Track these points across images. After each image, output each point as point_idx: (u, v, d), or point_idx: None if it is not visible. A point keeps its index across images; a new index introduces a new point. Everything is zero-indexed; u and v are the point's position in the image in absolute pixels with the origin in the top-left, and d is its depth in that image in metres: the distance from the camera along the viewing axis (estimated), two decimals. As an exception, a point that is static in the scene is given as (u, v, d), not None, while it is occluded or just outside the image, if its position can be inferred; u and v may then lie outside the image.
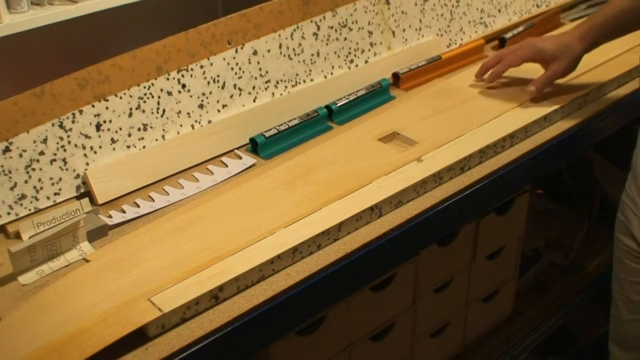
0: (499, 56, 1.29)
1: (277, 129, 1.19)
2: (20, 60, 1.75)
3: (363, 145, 1.15)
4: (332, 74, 1.35)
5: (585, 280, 1.68)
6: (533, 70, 1.26)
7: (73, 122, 1.05)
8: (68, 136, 1.05)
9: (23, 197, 1.02)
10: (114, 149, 1.10)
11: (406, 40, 1.46)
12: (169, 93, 1.14)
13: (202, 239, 0.95)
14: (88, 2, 1.63)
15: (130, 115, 1.11)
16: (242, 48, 1.21)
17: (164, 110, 1.14)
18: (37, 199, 1.03)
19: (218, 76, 1.19)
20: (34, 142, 1.02)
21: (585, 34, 1.20)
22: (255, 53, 1.23)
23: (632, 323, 1.22)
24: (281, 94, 1.28)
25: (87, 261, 0.94)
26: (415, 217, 1.02)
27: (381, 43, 1.42)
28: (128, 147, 1.11)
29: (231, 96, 1.22)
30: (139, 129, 1.12)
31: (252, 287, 0.90)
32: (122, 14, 1.75)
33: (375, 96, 1.32)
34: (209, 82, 1.18)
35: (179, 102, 1.16)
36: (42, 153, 1.03)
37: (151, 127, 1.13)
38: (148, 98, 1.12)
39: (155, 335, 0.82)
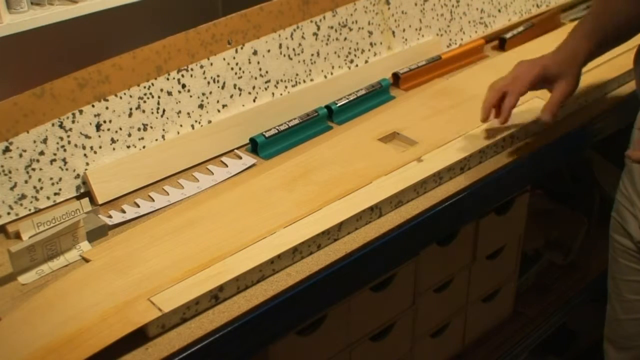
0: (500, 90, 1.13)
1: (277, 129, 1.19)
2: (20, 60, 1.75)
3: (363, 145, 1.15)
4: (332, 74, 1.35)
5: (585, 280, 1.68)
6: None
7: (73, 122, 1.05)
8: (68, 136, 1.05)
9: (23, 197, 1.02)
10: (114, 149, 1.10)
11: (406, 40, 1.46)
12: (169, 93, 1.14)
13: (202, 239, 0.95)
14: (88, 2, 1.63)
15: (130, 115, 1.11)
16: (242, 48, 1.21)
17: (164, 110, 1.14)
18: (37, 199, 1.03)
19: (218, 76, 1.19)
20: (34, 142, 1.02)
21: (578, 51, 1.11)
22: (255, 53, 1.23)
23: (628, 322, 1.22)
24: (281, 94, 1.28)
25: (87, 261, 0.94)
26: (415, 217, 1.02)
27: (381, 43, 1.42)
28: (128, 147, 1.11)
29: (231, 96, 1.22)
30: (139, 129, 1.12)
31: (252, 287, 0.90)
32: (122, 14, 1.75)
33: (375, 96, 1.32)
34: (209, 82, 1.18)
35: (179, 102, 1.16)
36: (42, 153, 1.03)
37: (151, 127, 1.13)
38: (148, 98, 1.12)
39: (155, 335, 0.82)
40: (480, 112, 1.13)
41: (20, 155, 1.01)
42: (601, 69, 1.36)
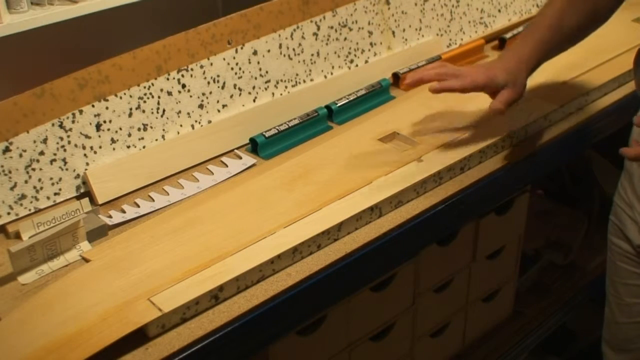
0: (450, 69, 1.10)
1: (277, 129, 1.19)
2: (20, 60, 1.75)
3: (363, 145, 1.15)
4: (332, 74, 1.35)
5: (585, 280, 1.68)
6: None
7: (73, 122, 1.05)
8: (68, 136, 1.05)
9: (23, 197, 1.02)
10: (114, 149, 1.10)
11: (406, 40, 1.46)
12: (169, 93, 1.14)
13: (202, 239, 0.95)
14: (88, 2, 1.63)
15: (130, 115, 1.11)
16: (242, 48, 1.21)
17: (164, 110, 1.14)
18: (37, 199, 1.03)
19: (218, 76, 1.19)
20: (34, 142, 1.02)
21: (525, 59, 1.10)
22: (255, 53, 1.23)
23: (627, 326, 1.21)
24: (281, 94, 1.28)
25: (87, 261, 0.94)
26: (415, 217, 1.02)
27: (381, 43, 1.42)
28: (128, 147, 1.11)
29: (231, 96, 1.22)
30: (139, 129, 1.12)
31: (252, 287, 0.90)
32: (122, 14, 1.75)
33: (375, 96, 1.32)
34: (209, 82, 1.18)
35: (179, 102, 1.16)
36: (42, 153, 1.03)
37: (151, 127, 1.13)
38: (148, 98, 1.12)
39: (155, 335, 0.82)
40: (410, 75, 1.09)
41: (20, 155, 1.01)
42: (601, 69, 1.36)
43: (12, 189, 1.01)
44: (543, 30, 1.10)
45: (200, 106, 1.18)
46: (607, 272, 1.23)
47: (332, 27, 1.32)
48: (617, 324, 1.23)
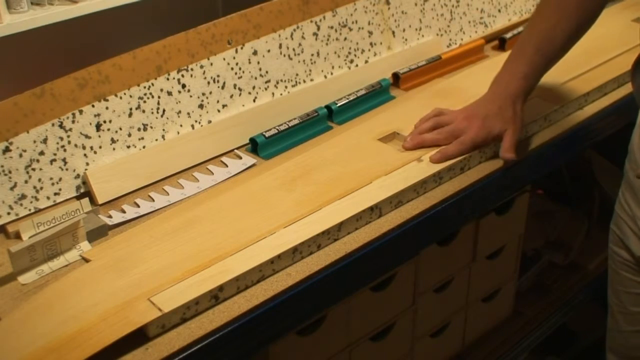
0: (444, 119, 1.14)
1: (277, 129, 1.19)
2: (20, 60, 1.75)
3: (363, 145, 1.15)
4: (332, 74, 1.35)
5: (585, 280, 1.68)
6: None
7: (73, 122, 1.05)
8: (68, 136, 1.05)
9: (23, 197, 1.02)
10: (114, 149, 1.10)
11: (406, 40, 1.46)
12: (169, 93, 1.14)
13: (202, 239, 0.95)
14: (88, 2, 1.63)
15: (130, 115, 1.11)
16: (242, 48, 1.21)
17: (164, 110, 1.14)
18: (37, 199, 1.03)
19: (218, 76, 1.19)
20: (34, 142, 1.02)
21: (518, 93, 1.09)
22: (255, 53, 1.23)
23: (632, 334, 1.19)
24: (281, 94, 1.28)
25: (87, 261, 0.94)
26: (415, 217, 1.02)
27: (381, 43, 1.42)
28: (128, 147, 1.11)
29: (231, 96, 1.22)
30: (139, 129, 1.12)
31: (252, 287, 0.90)
32: (122, 14, 1.75)
33: (375, 96, 1.32)
34: (209, 82, 1.18)
35: (179, 102, 1.16)
36: (42, 153, 1.03)
37: (151, 127, 1.13)
38: (148, 98, 1.12)
39: (155, 335, 0.82)
40: (410, 142, 1.13)
41: (20, 155, 1.01)
42: (601, 69, 1.36)
43: (12, 189, 1.01)
44: (532, 54, 1.09)
45: (200, 106, 1.18)
46: (609, 280, 1.22)
47: (332, 27, 1.33)
48: (621, 333, 1.22)
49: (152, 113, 1.13)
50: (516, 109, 1.10)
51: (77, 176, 1.07)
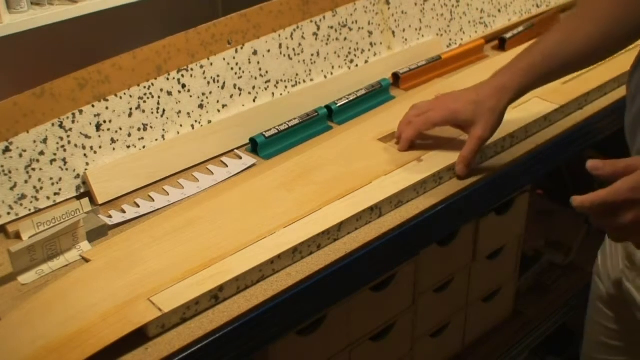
0: (408, 117, 1.10)
1: (277, 129, 1.19)
2: (20, 60, 1.75)
3: (363, 145, 1.15)
4: (332, 74, 1.35)
5: (585, 280, 1.67)
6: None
7: (73, 122, 1.05)
8: (68, 136, 1.05)
9: (23, 197, 1.02)
10: (114, 149, 1.10)
11: (406, 40, 1.46)
12: (169, 93, 1.14)
13: (202, 239, 0.95)
14: (88, 2, 1.63)
15: (130, 115, 1.11)
16: (242, 48, 1.21)
17: (164, 110, 1.14)
18: (37, 199, 1.03)
19: (218, 76, 1.19)
20: (34, 142, 1.02)
21: (507, 84, 1.01)
22: (255, 53, 1.23)
23: None
24: (281, 94, 1.28)
25: (87, 261, 0.94)
26: (415, 217, 1.02)
27: (381, 43, 1.42)
28: (128, 147, 1.11)
29: (231, 96, 1.22)
30: (139, 129, 1.12)
31: (252, 287, 0.90)
32: (122, 14, 1.75)
33: (375, 96, 1.32)
34: (209, 82, 1.18)
35: (179, 102, 1.16)
36: (42, 153, 1.03)
37: (151, 127, 1.13)
38: (148, 98, 1.12)
39: (155, 335, 0.82)
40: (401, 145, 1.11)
41: (20, 155, 1.01)
42: (601, 69, 1.36)
43: (12, 189, 1.01)
44: (535, 53, 1.02)
45: (200, 106, 1.18)
46: (588, 311, 1.20)
47: (332, 27, 1.33)
48: (592, 359, 1.22)
49: (152, 113, 1.13)
50: (498, 104, 1.01)
51: (77, 176, 1.07)
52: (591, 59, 1.04)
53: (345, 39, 1.35)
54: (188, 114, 1.17)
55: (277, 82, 1.27)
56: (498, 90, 1.02)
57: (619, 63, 1.38)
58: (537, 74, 1.03)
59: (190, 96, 1.17)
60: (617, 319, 1.12)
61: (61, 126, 1.04)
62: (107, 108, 1.08)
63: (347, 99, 1.29)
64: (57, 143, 1.04)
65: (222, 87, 1.20)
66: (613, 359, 1.16)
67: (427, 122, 1.08)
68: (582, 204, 0.78)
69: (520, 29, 1.55)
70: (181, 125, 1.17)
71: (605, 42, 1.00)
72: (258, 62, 1.24)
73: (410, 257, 1.16)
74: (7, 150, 0.99)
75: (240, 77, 1.22)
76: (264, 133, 1.18)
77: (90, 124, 1.07)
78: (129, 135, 1.11)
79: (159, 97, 1.13)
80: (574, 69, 1.08)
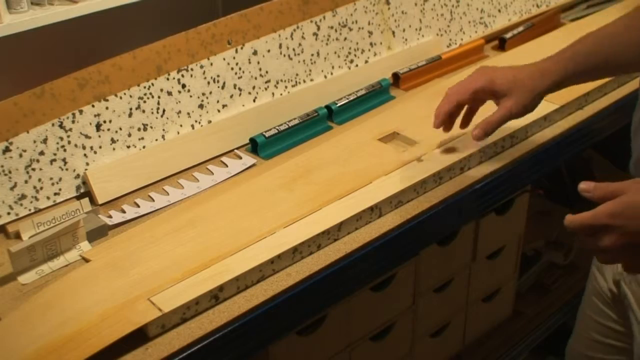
0: (446, 94, 1.06)
1: (277, 129, 1.19)
2: (20, 60, 1.75)
3: (363, 145, 1.15)
4: (332, 74, 1.35)
5: (585, 280, 1.67)
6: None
7: (73, 122, 1.05)
8: (68, 136, 1.05)
9: (23, 197, 1.02)
10: (114, 149, 1.10)
11: (406, 40, 1.46)
12: (169, 93, 1.14)
13: (202, 239, 0.95)
14: (88, 2, 1.63)
15: (130, 115, 1.11)
16: (242, 48, 1.21)
17: (164, 110, 1.14)
18: (37, 199, 1.03)
19: (218, 76, 1.19)
20: (34, 142, 1.02)
21: (549, 68, 0.99)
22: (255, 53, 1.23)
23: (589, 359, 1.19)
24: (281, 94, 1.28)
25: (87, 261, 0.94)
26: (415, 217, 1.02)
27: (381, 43, 1.42)
28: (128, 147, 1.11)
29: (231, 96, 1.22)
30: (139, 129, 1.12)
31: (252, 287, 0.90)
32: (122, 14, 1.75)
33: (375, 96, 1.32)
34: (209, 82, 1.18)
35: (179, 102, 1.16)
36: (42, 153, 1.03)
37: (151, 127, 1.13)
38: (148, 98, 1.12)
39: (155, 335, 0.82)
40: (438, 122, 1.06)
41: (20, 155, 1.01)
42: (601, 69, 1.36)
43: (12, 189, 1.01)
44: (584, 42, 0.99)
45: (200, 106, 1.18)
46: (581, 304, 1.20)
47: (332, 27, 1.33)
48: (581, 356, 1.21)
49: (152, 113, 1.13)
50: (535, 86, 0.98)
51: (77, 176, 1.07)
52: None
53: (345, 39, 1.35)
54: (188, 114, 1.17)
55: (277, 82, 1.27)
56: (539, 72, 1.00)
57: (619, 63, 1.38)
58: (582, 63, 0.99)
59: (190, 96, 1.17)
60: (611, 317, 1.12)
61: (61, 126, 1.04)
62: (107, 108, 1.08)
63: (347, 99, 1.29)
64: (57, 143, 1.04)
65: (222, 87, 1.20)
66: (602, 356, 1.16)
67: (464, 90, 1.03)
68: (571, 224, 0.81)
69: (520, 29, 1.55)
70: (181, 125, 1.17)
71: None
72: (258, 62, 1.24)
73: (410, 257, 1.16)
74: (7, 150, 0.99)
75: (240, 77, 1.22)
76: (264, 133, 1.18)
77: (90, 124, 1.07)
78: (129, 135, 1.11)
79: (159, 97, 1.13)
80: (620, 68, 1.04)
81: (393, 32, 1.43)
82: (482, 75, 1.03)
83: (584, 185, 0.81)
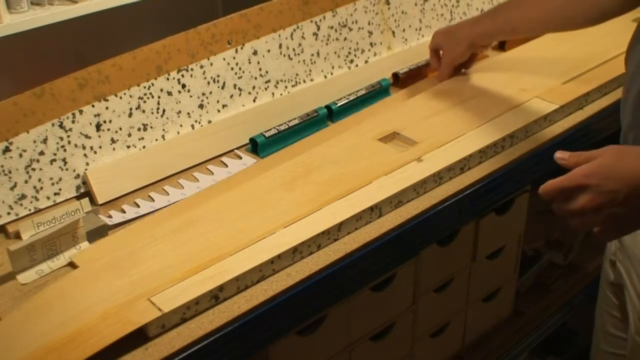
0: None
1: (277, 129, 1.19)
2: (20, 60, 1.75)
3: (363, 145, 1.15)
4: (332, 74, 1.35)
5: (585, 281, 1.68)
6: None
7: (73, 122, 1.05)
8: (68, 136, 1.05)
9: (23, 197, 1.02)
10: (114, 149, 1.10)
11: (406, 40, 1.46)
12: (169, 93, 1.14)
13: (202, 239, 0.95)
14: (88, 2, 1.63)
15: (130, 115, 1.11)
16: (242, 48, 1.21)
17: (164, 110, 1.14)
18: (37, 199, 1.03)
19: (218, 76, 1.19)
20: (34, 142, 1.02)
21: (480, 20, 1.23)
22: (255, 53, 1.23)
23: (608, 355, 1.19)
24: (281, 94, 1.28)
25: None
26: (415, 217, 1.02)
27: (381, 43, 1.42)
28: (128, 147, 1.11)
29: (231, 96, 1.22)
30: (139, 129, 1.12)
31: (252, 287, 0.90)
32: (122, 14, 1.75)
33: (375, 96, 1.32)
34: (209, 82, 1.18)
35: (179, 102, 1.16)
36: (42, 153, 1.03)
37: (151, 127, 1.13)
38: (148, 98, 1.12)
39: (155, 335, 0.82)
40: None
41: (20, 155, 1.01)
42: (601, 69, 1.36)
43: (12, 189, 1.01)
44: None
45: (200, 106, 1.18)
46: (598, 298, 1.21)
47: (332, 27, 1.33)
48: (599, 351, 1.21)
49: (152, 113, 1.13)
50: (466, 29, 1.25)
51: (77, 176, 1.07)
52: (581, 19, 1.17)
53: (345, 39, 1.35)
54: (188, 114, 1.17)
55: (277, 82, 1.27)
56: (471, 24, 1.25)
57: (619, 63, 1.38)
58: (504, 19, 1.21)
59: (190, 96, 1.17)
60: (619, 306, 1.13)
61: (61, 126, 1.04)
62: (107, 108, 1.08)
63: (347, 99, 1.29)
64: (57, 143, 1.04)
65: (222, 87, 1.20)
66: (617, 351, 1.16)
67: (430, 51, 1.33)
68: (544, 190, 0.80)
69: (520, 29, 1.54)
70: (181, 125, 1.17)
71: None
72: (258, 62, 1.24)
73: (410, 257, 1.16)
74: (7, 150, 0.99)
75: (240, 77, 1.22)
76: (264, 133, 1.18)
77: (90, 124, 1.07)
78: (129, 135, 1.11)
79: (159, 97, 1.13)
80: (557, 24, 1.19)
81: (393, 32, 1.43)
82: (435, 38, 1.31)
83: (559, 154, 0.83)
